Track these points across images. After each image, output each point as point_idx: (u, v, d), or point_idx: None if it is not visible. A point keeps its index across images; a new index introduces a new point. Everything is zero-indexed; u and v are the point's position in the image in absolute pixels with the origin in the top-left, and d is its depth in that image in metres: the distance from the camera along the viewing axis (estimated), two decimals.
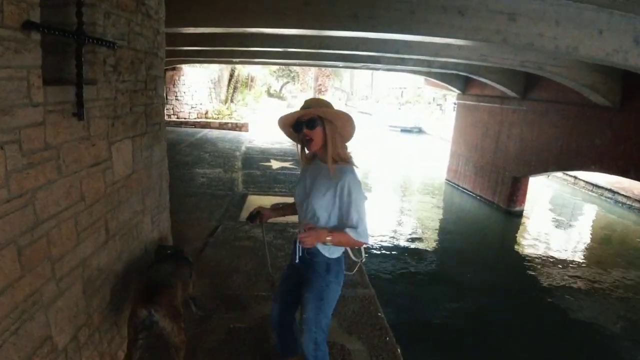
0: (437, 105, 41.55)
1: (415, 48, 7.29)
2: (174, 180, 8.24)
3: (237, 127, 17.14)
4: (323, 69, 26.13)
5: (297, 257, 2.15)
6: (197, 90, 17.71)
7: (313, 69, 28.91)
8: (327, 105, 2.09)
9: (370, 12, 4.77)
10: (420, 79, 42.29)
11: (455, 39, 5.36)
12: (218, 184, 7.84)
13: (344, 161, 2.07)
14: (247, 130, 16.93)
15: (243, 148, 12.30)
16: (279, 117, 2.16)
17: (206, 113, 17.90)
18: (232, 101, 20.21)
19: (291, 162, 10.29)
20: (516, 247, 9.92)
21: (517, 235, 10.62)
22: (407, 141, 28.52)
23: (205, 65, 18.97)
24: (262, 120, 21.04)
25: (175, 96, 17.27)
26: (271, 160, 10.51)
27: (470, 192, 13.14)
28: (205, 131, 15.88)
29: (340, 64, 11.28)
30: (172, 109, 17.33)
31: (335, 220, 2.08)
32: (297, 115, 2.05)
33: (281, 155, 11.46)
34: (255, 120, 19.97)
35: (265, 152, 11.91)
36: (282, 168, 9.70)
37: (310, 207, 2.09)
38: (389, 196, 14.14)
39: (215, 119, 17.63)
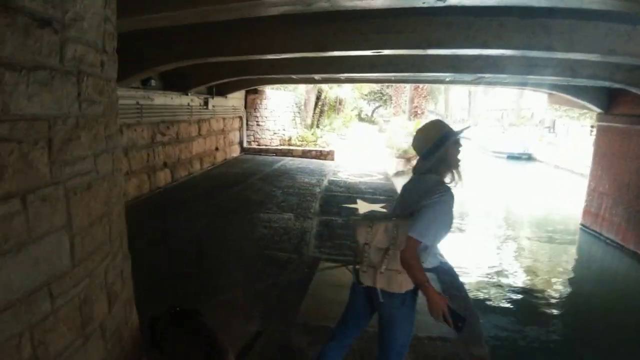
0: (546, 127, 36.73)
1: (583, 40, 4.70)
2: (224, 228, 6.32)
3: (321, 155, 15.22)
4: (420, 88, 23.29)
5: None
6: (280, 115, 16.19)
7: (408, 89, 26.35)
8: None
9: None
10: (528, 98, 38.13)
11: None
12: (282, 240, 5.75)
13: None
14: (332, 159, 14.94)
15: (325, 182, 10.23)
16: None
17: (289, 140, 16.27)
18: (317, 126, 18.46)
19: (382, 205, 7.95)
20: None
21: None
22: (516, 170, 24.71)
23: (291, 87, 17.53)
24: (351, 146, 19.01)
25: (257, 121, 15.86)
26: (358, 201, 8.26)
27: (620, 244, 9.69)
28: (286, 160, 14.14)
29: (449, 76, 8.82)
30: (253, 135, 15.94)
31: None
32: None
33: (370, 193, 9.17)
34: (344, 147, 17.99)
35: (351, 188, 9.71)
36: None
37: None
38: (502, 239, 11.10)
39: (298, 145, 15.91)
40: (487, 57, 7.15)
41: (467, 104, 61.01)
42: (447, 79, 9.79)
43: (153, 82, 8.76)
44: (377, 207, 7.88)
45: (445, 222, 2.08)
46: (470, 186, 18.33)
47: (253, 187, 9.28)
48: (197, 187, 9.29)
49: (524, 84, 10.27)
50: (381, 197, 8.71)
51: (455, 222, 2.34)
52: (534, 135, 32.53)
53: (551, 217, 13.57)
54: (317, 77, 10.02)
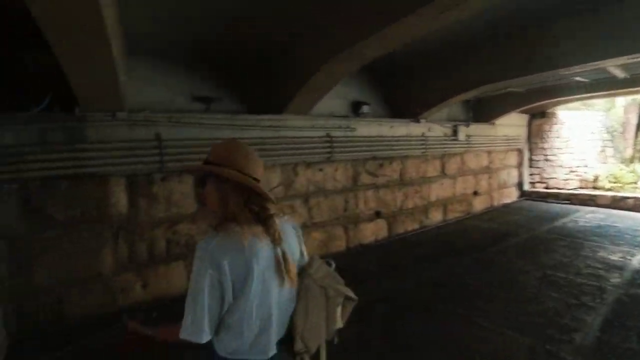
0: None
1: None
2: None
3: None
4: None
5: None
6: (579, 145, 11.52)
7: None
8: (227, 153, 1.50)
9: None
10: None
11: None
12: None
13: (222, 227, 1.43)
14: None
15: (635, 262, 5.72)
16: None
17: (594, 180, 11.31)
18: None
19: None
20: None
21: None
22: None
23: (597, 104, 12.57)
24: None
25: (545, 155, 11.70)
26: None
27: None
28: (583, 211, 9.51)
29: None
30: (539, 174, 11.81)
31: None
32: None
33: None
34: None
35: None
36: None
37: None
38: None
39: (607, 189, 10.83)
40: None
41: None
42: None
43: (365, 108, 6.79)
44: None
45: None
46: None
47: (493, 258, 5.89)
48: (413, 248, 6.61)
49: None
50: None
51: None
52: None
53: None
54: (618, 72, 5.78)
